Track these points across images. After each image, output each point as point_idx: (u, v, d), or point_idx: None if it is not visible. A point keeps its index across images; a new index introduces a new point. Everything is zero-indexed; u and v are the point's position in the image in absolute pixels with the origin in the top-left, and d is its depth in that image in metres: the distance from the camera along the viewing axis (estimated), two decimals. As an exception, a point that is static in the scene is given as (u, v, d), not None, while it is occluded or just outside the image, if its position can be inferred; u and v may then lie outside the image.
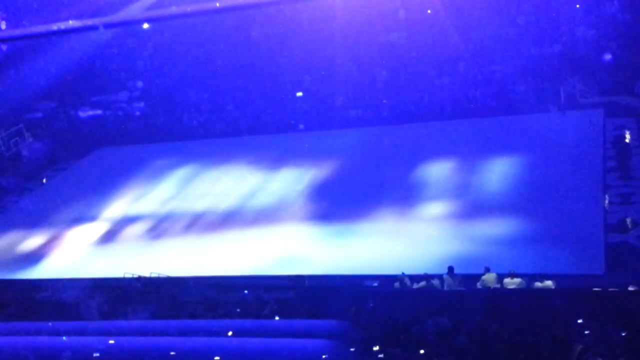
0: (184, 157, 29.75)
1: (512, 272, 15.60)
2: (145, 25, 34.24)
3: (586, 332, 11.52)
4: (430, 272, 16.76)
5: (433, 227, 20.29)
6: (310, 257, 20.09)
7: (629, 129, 23.59)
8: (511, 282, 15.43)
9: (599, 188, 20.36)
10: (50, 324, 15.79)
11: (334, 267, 18.90)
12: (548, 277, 15.08)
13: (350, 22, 34.05)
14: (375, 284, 17.30)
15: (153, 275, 19.61)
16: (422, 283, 16.35)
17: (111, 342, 13.43)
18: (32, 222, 26.10)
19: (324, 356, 11.52)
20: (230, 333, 13.55)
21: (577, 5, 30.25)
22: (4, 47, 35.35)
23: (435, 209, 21.33)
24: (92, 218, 25.32)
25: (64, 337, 13.92)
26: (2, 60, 38.02)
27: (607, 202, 19.31)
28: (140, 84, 36.15)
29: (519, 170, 22.57)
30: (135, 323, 15.00)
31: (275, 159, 27.80)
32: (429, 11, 32.26)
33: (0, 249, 24.61)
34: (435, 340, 11.41)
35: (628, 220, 18.20)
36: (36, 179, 30.62)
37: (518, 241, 18.50)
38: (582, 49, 28.66)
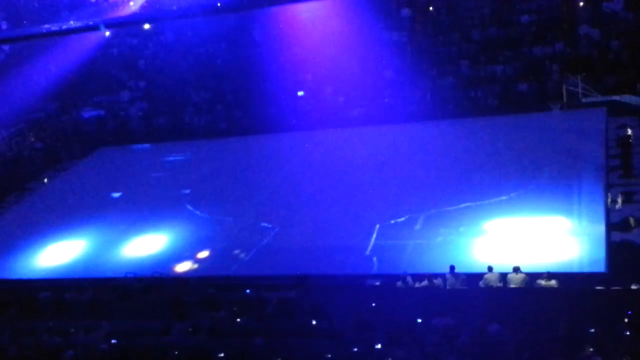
0: (185, 157, 29.77)
1: (514, 270, 15.50)
2: (146, 26, 34.39)
3: (589, 330, 11.50)
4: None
5: (434, 227, 20.26)
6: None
7: (630, 128, 23.57)
8: (514, 278, 15.38)
9: (601, 186, 20.35)
10: (51, 323, 15.84)
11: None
12: (550, 276, 15.03)
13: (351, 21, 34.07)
14: (378, 283, 17.26)
15: (155, 275, 19.61)
16: (425, 282, 16.30)
17: (113, 342, 13.46)
18: (33, 222, 26.10)
19: (327, 355, 11.51)
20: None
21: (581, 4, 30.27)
22: (6, 47, 35.45)
23: (434, 207, 21.30)
24: (93, 219, 25.31)
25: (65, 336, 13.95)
26: (4, 60, 38.09)
27: (609, 200, 19.30)
28: (141, 83, 36.13)
29: (521, 168, 22.53)
30: (137, 323, 15.02)
31: (278, 158, 27.82)
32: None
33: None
34: (438, 340, 11.39)
35: (631, 219, 18.16)
36: (37, 179, 30.59)
37: (520, 239, 18.46)
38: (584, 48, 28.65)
